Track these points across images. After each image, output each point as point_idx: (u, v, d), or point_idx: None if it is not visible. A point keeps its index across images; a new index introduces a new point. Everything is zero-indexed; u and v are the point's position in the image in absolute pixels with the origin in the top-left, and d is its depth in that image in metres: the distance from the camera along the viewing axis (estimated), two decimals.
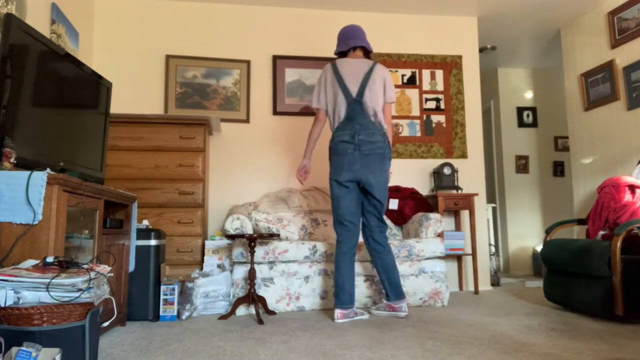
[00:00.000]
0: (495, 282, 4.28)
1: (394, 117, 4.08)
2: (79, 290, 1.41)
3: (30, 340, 1.35)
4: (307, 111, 3.95)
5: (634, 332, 2.25)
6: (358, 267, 3.09)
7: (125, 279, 2.52)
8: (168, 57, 3.81)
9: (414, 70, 4.16)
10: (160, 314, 2.71)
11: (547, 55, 5.26)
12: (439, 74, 4.20)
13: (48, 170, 1.70)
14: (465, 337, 2.19)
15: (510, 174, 5.57)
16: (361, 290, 3.07)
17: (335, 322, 2.58)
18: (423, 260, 3.19)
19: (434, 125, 4.14)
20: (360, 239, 3.63)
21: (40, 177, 1.67)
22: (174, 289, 2.73)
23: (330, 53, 4.04)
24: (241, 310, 2.89)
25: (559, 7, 4.14)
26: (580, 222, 3.27)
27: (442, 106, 4.17)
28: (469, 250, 3.99)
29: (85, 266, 1.54)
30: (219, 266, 3.19)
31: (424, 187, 4.08)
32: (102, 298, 1.54)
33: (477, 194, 3.88)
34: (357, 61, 2.77)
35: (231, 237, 2.75)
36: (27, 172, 1.67)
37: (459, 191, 3.91)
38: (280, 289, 3.00)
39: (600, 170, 4.09)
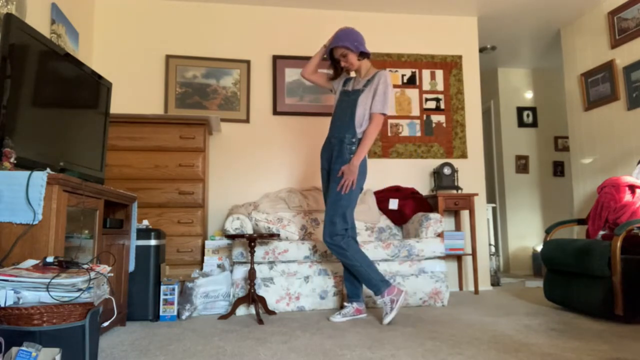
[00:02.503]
0: (495, 282, 4.28)
1: (394, 117, 4.08)
2: (79, 290, 1.41)
3: (30, 340, 1.35)
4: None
5: (634, 332, 2.25)
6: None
7: (125, 279, 2.52)
8: (168, 57, 3.81)
9: (414, 70, 4.16)
10: (160, 314, 2.71)
11: (547, 55, 5.26)
12: (439, 74, 4.20)
13: (48, 170, 1.70)
14: (465, 337, 2.19)
15: (510, 174, 5.57)
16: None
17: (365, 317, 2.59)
18: (423, 260, 3.19)
19: (434, 125, 4.14)
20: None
21: (40, 177, 1.67)
22: (174, 289, 2.73)
23: None
24: (241, 310, 2.89)
25: (559, 7, 4.14)
26: (580, 222, 3.27)
27: (442, 106, 4.17)
28: (469, 250, 3.99)
29: (85, 266, 1.54)
30: (219, 266, 3.19)
31: (424, 187, 4.08)
32: (102, 298, 1.54)
33: (477, 194, 3.88)
34: None
35: (231, 237, 2.75)
36: (27, 172, 1.67)
37: (459, 191, 3.91)
38: (280, 289, 3.00)
39: (600, 170, 4.09)
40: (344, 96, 2.76)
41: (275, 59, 3.96)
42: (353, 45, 2.64)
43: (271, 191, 3.84)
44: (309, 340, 2.17)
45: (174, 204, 3.24)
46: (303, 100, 3.97)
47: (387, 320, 2.51)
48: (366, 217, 3.68)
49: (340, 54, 2.69)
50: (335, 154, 2.68)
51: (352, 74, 2.89)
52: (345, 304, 2.73)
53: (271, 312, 2.87)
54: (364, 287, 2.76)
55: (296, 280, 3.03)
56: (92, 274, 1.47)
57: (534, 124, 5.68)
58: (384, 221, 3.72)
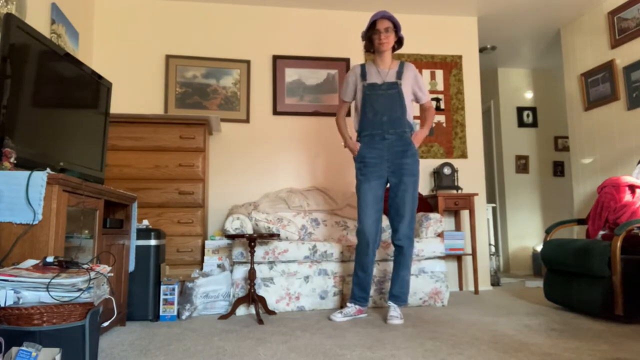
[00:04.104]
0: (495, 282, 4.28)
1: None
2: (79, 290, 1.41)
3: (30, 340, 1.35)
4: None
5: (634, 332, 2.25)
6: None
7: (125, 279, 2.52)
8: (168, 57, 3.81)
9: None
10: (160, 314, 2.71)
11: (547, 55, 5.26)
12: (439, 73, 4.20)
13: (48, 170, 1.70)
14: (465, 337, 2.19)
15: (510, 174, 5.57)
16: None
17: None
18: (423, 260, 3.19)
19: (434, 125, 4.13)
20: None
21: (40, 177, 1.67)
22: (174, 289, 2.73)
23: (330, 53, 4.04)
24: (241, 310, 2.89)
25: (559, 7, 4.14)
26: (580, 222, 3.27)
27: (442, 106, 4.17)
28: (469, 250, 3.99)
29: (85, 266, 1.54)
30: (219, 266, 3.19)
31: (424, 187, 4.07)
32: (102, 298, 1.54)
33: (477, 194, 3.88)
34: None
35: (231, 237, 2.75)
36: (27, 172, 1.67)
37: (459, 191, 3.91)
38: (280, 289, 3.00)
39: (600, 170, 4.09)
40: (377, 90, 2.71)
41: (275, 59, 3.96)
42: (399, 28, 2.75)
43: (271, 191, 3.84)
44: (309, 340, 2.17)
45: (174, 204, 3.24)
46: (303, 100, 3.97)
47: (396, 322, 2.54)
48: None
49: (386, 27, 2.69)
50: (400, 149, 2.67)
51: (371, 61, 2.85)
52: (348, 304, 2.73)
53: (271, 312, 2.87)
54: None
55: (296, 280, 3.03)
56: (92, 274, 1.47)
57: (534, 124, 5.68)
58: (384, 221, 3.72)
